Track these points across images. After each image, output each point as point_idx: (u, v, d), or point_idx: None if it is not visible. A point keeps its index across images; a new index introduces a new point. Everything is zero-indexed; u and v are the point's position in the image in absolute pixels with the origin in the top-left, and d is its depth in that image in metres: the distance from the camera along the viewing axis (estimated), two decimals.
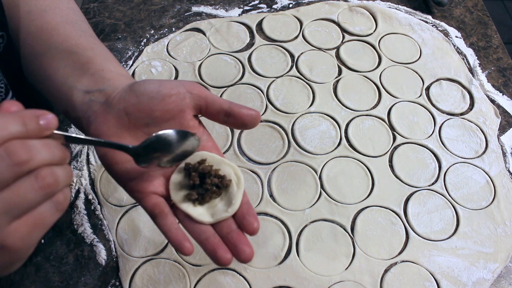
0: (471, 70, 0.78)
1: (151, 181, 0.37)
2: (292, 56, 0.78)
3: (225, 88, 0.72)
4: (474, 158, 0.68)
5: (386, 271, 0.57)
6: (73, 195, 0.62)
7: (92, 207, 0.61)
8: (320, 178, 0.64)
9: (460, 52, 0.80)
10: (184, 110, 0.37)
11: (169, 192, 0.37)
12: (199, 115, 0.39)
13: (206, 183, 0.37)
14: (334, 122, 0.70)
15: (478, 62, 0.79)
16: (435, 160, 0.67)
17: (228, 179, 0.38)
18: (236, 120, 0.37)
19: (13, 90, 0.47)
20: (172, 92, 0.36)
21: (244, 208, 0.37)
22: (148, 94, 0.36)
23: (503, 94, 0.75)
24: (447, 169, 0.66)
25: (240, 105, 0.38)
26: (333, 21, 0.83)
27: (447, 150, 0.68)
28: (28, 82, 0.50)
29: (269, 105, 0.71)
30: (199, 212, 0.37)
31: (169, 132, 0.35)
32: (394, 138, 0.69)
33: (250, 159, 0.66)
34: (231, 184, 0.38)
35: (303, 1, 0.86)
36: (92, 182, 0.63)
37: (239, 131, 0.68)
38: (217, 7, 0.84)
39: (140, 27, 0.80)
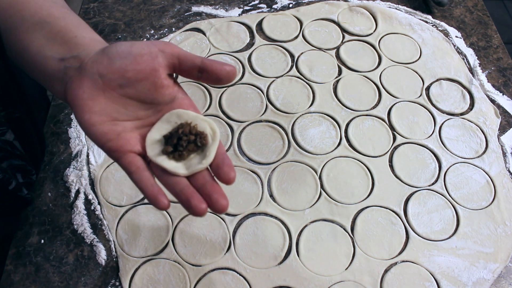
0: (471, 70, 0.78)
1: (128, 140, 0.37)
2: (292, 56, 0.78)
3: (225, 88, 0.72)
4: (474, 158, 0.68)
5: (386, 271, 0.57)
6: (73, 195, 0.62)
7: (92, 207, 0.61)
8: (320, 178, 0.64)
9: (460, 52, 0.80)
10: (157, 69, 0.37)
11: (146, 150, 0.38)
12: (174, 74, 0.40)
13: (182, 140, 0.38)
14: (334, 122, 0.70)
15: (478, 62, 0.79)
16: (435, 160, 0.67)
17: (204, 135, 0.38)
18: (209, 75, 0.38)
19: None
20: (144, 52, 0.37)
21: (219, 159, 0.37)
22: (119, 55, 0.36)
23: (503, 94, 0.75)
24: (447, 169, 0.66)
25: (215, 60, 0.38)
26: (333, 21, 0.83)
27: (447, 150, 0.68)
28: (7, 77, 0.50)
29: (269, 105, 0.71)
30: (174, 165, 0.37)
31: None
32: (394, 138, 0.69)
33: (250, 159, 0.66)
34: (207, 139, 0.38)
35: (303, 1, 0.86)
36: (92, 182, 0.63)
37: (239, 131, 0.68)
38: (217, 7, 0.84)
39: (140, 27, 0.80)
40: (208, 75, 0.38)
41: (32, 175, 0.61)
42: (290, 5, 0.85)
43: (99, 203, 0.61)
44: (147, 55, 0.37)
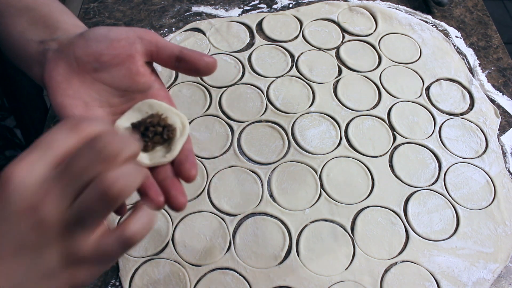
0: (471, 70, 0.78)
1: None
2: (292, 56, 0.78)
3: (225, 88, 0.72)
4: (474, 158, 0.68)
5: (386, 271, 0.57)
6: None
7: None
8: (320, 178, 0.64)
9: (460, 52, 0.80)
10: (133, 55, 0.36)
11: None
12: (152, 62, 0.39)
13: (149, 130, 0.37)
14: (334, 122, 0.70)
15: (478, 62, 0.79)
16: (435, 160, 0.67)
17: (172, 128, 0.37)
18: (187, 65, 0.37)
19: None
20: (121, 37, 0.36)
21: (183, 155, 0.36)
22: (96, 39, 0.36)
23: (503, 94, 0.75)
24: (447, 169, 0.66)
25: (194, 50, 0.37)
26: (333, 21, 0.83)
27: (447, 150, 0.68)
28: (5, 69, 0.50)
29: (269, 105, 0.71)
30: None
31: None
32: (394, 138, 0.69)
33: (250, 159, 0.66)
34: (175, 133, 0.37)
35: (303, 1, 0.86)
36: None
37: (239, 131, 0.68)
38: (217, 7, 0.84)
39: (140, 27, 0.80)
40: (186, 64, 0.37)
41: None
42: (290, 5, 0.85)
43: None
44: (124, 40, 0.36)
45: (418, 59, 0.79)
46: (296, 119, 0.70)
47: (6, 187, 0.25)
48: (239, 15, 0.83)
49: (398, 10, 0.85)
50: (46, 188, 0.26)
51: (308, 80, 0.74)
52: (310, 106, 0.71)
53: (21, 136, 0.56)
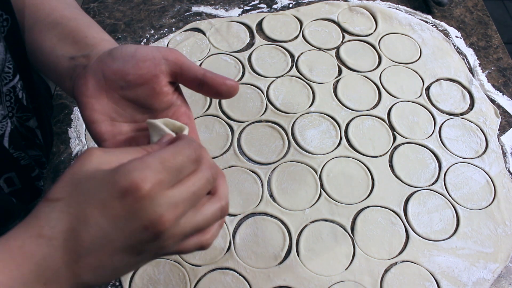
0: (471, 70, 0.78)
1: (122, 143, 0.38)
2: (292, 56, 0.78)
3: None
4: (474, 158, 0.68)
5: (386, 271, 0.57)
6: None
7: None
8: (320, 178, 0.64)
9: (460, 52, 0.80)
10: (158, 75, 0.37)
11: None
12: (176, 82, 0.40)
13: None
14: (334, 122, 0.70)
15: (478, 62, 0.79)
16: (435, 160, 0.67)
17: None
18: (210, 88, 0.38)
19: (20, 73, 0.49)
20: (147, 58, 0.37)
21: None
22: (123, 58, 0.37)
23: (503, 94, 0.75)
24: (447, 169, 0.66)
25: (217, 74, 0.38)
26: (333, 21, 0.83)
27: (447, 150, 0.68)
28: (29, 68, 0.51)
29: (269, 105, 0.71)
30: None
31: None
32: (394, 138, 0.69)
33: (250, 159, 0.66)
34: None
35: (303, 1, 0.86)
36: None
37: (239, 131, 0.68)
38: (217, 7, 0.84)
39: (140, 27, 0.80)
40: (208, 88, 0.38)
41: (44, 168, 0.62)
42: (290, 5, 0.85)
43: None
44: (150, 60, 0.37)
45: (418, 59, 0.79)
46: (296, 119, 0.70)
47: (136, 198, 0.27)
48: (239, 15, 0.83)
49: (398, 10, 0.85)
50: (173, 207, 0.28)
51: (308, 80, 0.74)
52: (310, 106, 0.71)
53: (41, 137, 0.58)
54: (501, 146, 0.69)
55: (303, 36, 0.80)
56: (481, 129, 0.70)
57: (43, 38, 0.43)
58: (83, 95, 0.38)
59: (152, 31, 0.80)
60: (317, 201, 0.62)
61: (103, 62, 0.38)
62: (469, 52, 0.80)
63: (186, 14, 0.82)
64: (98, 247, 0.27)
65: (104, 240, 0.27)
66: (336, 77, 0.75)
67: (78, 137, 0.67)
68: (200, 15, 0.82)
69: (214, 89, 0.38)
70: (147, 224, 0.27)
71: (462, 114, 0.73)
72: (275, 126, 0.69)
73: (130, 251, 0.28)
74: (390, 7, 0.85)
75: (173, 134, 0.35)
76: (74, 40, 0.42)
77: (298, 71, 0.76)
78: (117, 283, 0.55)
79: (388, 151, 0.68)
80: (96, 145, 0.39)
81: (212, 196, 0.32)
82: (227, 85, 0.37)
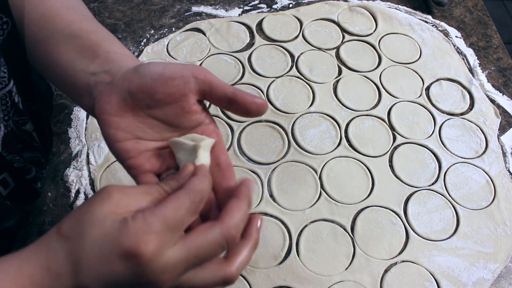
0: (471, 70, 0.78)
1: (149, 160, 0.38)
2: (292, 56, 0.78)
3: None
4: (474, 158, 0.68)
5: (386, 271, 0.57)
6: (73, 195, 0.62)
7: None
8: (320, 178, 0.64)
9: (460, 52, 0.80)
10: (187, 94, 0.36)
11: (163, 171, 0.38)
12: (203, 100, 0.39)
13: None
14: (334, 122, 0.70)
15: (478, 62, 0.79)
16: (435, 160, 0.67)
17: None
18: (239, 107, 0.37)
19: (14, 78, 0.48)
20: (176, 76, 0.36)
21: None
22: (151, 76, 0.36)
23: (503, 94, 0.75)
24: (447, 169, 0.66)
25: (246, 92, 0.37)
26: (333, 21, 0.83)
27: (447, 150, 0.68)
28: (29, 71, 0.50)
29: (269, 105, 0.71)
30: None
31: None
32: (394, 138, 0.69)
33: (250, 159, 0.66)
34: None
35: (303, 1, 0.86)
36: (92, 182, 0.63)
37: (239, 131, 0.68)
38: (217, 7, 0.84)
39: (140, 27, 0.80)
40: (238, 107, 0.37)
41: (43, 169, 0.61)
42: (290, 5, 0.85)
43: None
44: (179, 79, 0.36)
45: (418, 59, 0.79)
46: (296, 119, 0.70)
47: (137, 262, 0.28)
48: (239, 15, 0.83)
49: (398, 10, 0.85)
50: (172, 268, 0.29)
51: (308, 80, 0.74)
52: (310, 106, 0.71)
53: (39, 139, 0.57)
54: (501, 146, 0.69)
55: (303, 36, 0.80)
56: (481, 129, 0.70)
57: (61, 51, 0.42)
58: (107, 113, 0.37)
59: (152, 31, 0.80)
60: (317, 201, 0.62)
61: (128, 79, 0.37)
62: (469, 52, 0.80)
63: (186, 14, 0.82)
64: None
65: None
66: (336, 77, 0.75)
67: (78, 137, 0.67)
68: (200, 15, 0.82)
69: (244, 107, 0.37)
70: (144, 283, 0.29)
71: (462, 114, 0.73)
72: (275, 126, 0.69)
73: None
74: (390, 7, 0.85)
75: (191, 144, 0.35)
76: (94, 55, 0.41)
77: (298, 71, 0.76)
78: None
79: (388, 151, 0.68)
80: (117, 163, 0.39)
81: (224, 258, 0.32)
82: (257, 104, 0.37)
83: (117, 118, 0.37)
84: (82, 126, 0.68)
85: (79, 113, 0.69)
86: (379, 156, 0.67)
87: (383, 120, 0.71)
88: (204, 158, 0.36)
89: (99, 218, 0.29)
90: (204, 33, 0.79)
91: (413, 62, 0.78)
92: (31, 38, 0.45)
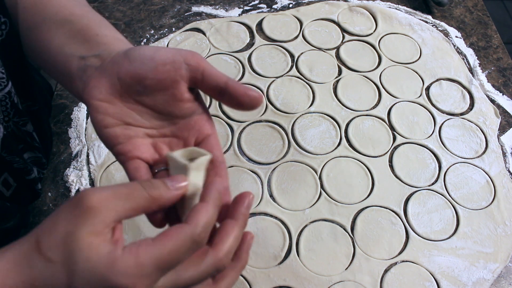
0: (471, 70, 0.78)
1: (138, 146, 0.36)
2: (292, 56, 0.78)
3: None
4: (474, 158, 0.68)
5: (386, 271, 0.57)
6: (73, 195, 0.62)
7: None
8: (320, 178, 0.64)
9: (460, 52, 0.80)
10: (178, 81, 0.34)
11: (153, 161, 0.36)
12: (195, 88, 0.37)
13: None
14: (334, 122, 0.70)
15: (478, 62, 0.79)
16: (435, 160, 0.67)
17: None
18: (231, 98, 0.35)
19: (12, 79, 0.47)
20: (167, 61, 0.34)
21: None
22: (141, 60, 0.34)
23: (503, 94, 0.75)
24: (447, 169, 0.66)
25: (240, 84, 0.35)
26: (333, 21, 0.83)
27: (447, 150, 0.68)
28: (29, 71, 0.50)
29: (269, 105, 0.71)
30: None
31: None
32: (394, 138, 0.69)
33: (250, 159, 0.66)
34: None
35: (303, 1, 0.86)
36: (92, 182, 0.63)
37: (239, 131, 0.68)
38: (217, 7, 0.84)
39: (140, 27, 0.80)
40: (229, 98, 0.35)
41: (45, 169, 0.61)
42: (290, 5, 0.85)
43: None
44: (170, 65, 0.34)
45: (418, 59, 0.79)
46: (296, 119, 0.70)
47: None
48: (239, 15, 0.83)
49: (398, 10, 0.85)
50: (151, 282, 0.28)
51: (308, 80, 0.74)
52: (310, 106, 0.71)
53: (39, 139, 0.57)
54: (501, 146, 0.69)
55: (303, 36, 0.80)
56: (481, 129, 0.70)
57: (51, 37, 0.41)
58: (95, 98, 0.35)
59: (152, 31, 0.80)
60: (317, 201, 0.62)
61: (118, 63, 0.35)
62: (469, 52, 0.80)
63: (186, 14, 0.83)
64: None
65: None
66: (336, 77, 0.75)
67: (78, 137, 0.67)
68: (200, 15, 0.82)
69: (235, 99, 0.35)
70: None
71: (462, 114, 0.73)
72: (275, 126, 0.69)
73: None
74: (390, 7, 0.85)
75: (182, 163, 0.33)
76: (84, 39, 0.39)
77: (298, 71, 0.76)
78: None
79: (388, 151, 0.68)
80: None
81: (211, 280, 0.32)
82: (250, 97, 0.35)
83: (105, 104, 0.35)
84: (82, 126, 0.68)
85: (79, 113, 0.69)
86: (379, 156, 0.67)
87: (383, 120, 0.71)
88: (196, 178, 0.33)
89: (83, 246, 0.27)
90: (204, 33, 0.79)
91: (413, 62, 0.78)
92: (24, 25, 0.44)
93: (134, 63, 0.34)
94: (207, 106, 0.70)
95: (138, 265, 0.27)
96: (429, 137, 0.69)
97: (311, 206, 0.62)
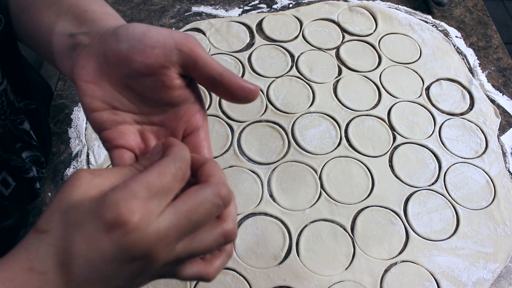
0: (471, 70, 0.78)
1: (124, 135, 0.34)
2: (292, 56, 0.78)
3: None
4: (474, 158, 0.68)
5: (386, 271, 0.57)
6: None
7: None
8: (320, 178, 0.64)
9: (460, 52, 0.80)
10: (167, 67, 0.32)
11: (139, 150, 0.35)
12: (187, 75, 0.34)
13: None
14: (334, 122, 0.70)
15: (478, 62, 0.79)
16: (435, 160, 0.67)
17: None
18: (225, 90, 0.33)
19: (8, 77, 0.47)
20: (157, 45, 0.31)
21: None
22: (129, 41, 0.31)
23: (503, 94, 0.75)
24: (447, 169, 0.66)
25: (236, 75, 0.33)
26: (333, 21, 0.83)
27: (447, 150, 0.68)
28: (26, 70, 0.50)
29: (269, 105, 0.71)
30: None
31: None
32: (394, 138, 0.69)
33: (250, 159, 0.66)
34: None
35: (303, 1, 0.86)
36: None
37: (239, 131, 0.68)
38: (217, 7, 0.84)
39: None
40: (223, 90, 0.33)
41: (44, 168, 0.61)
42: (290, 5, 0.85)
43: None
44: (160, 49, 0.31)
45: (418, 59, 0.79)
46: (296, 119, 0.70)
47: (124, 232, 0.25)
48: (239, 15, 0.83)
49: (398, 10, 0.85)
50: (164, 236, 0.26)
51: (308, 80, 0.74)
52: (310, 106, 0.71)
53: (36, 138, 0.57)
54: (501, 146, 0.69)
55: (303, 36, 0.80)
56: (481, 129, 0.70)
57: (42, 17, 0.39)
58: (82, 79, 0.33)
59: None
60: (317, 201, 0.62)
61: (106, 42, 0.32)
62: (469, 52, 0.80)
63: (186, 14, 0.83)
64: (89, 280, 0.26)
65: (95, 273, 0.26)
66: (336, 77, 0.75)
67: (78, 137, 0.67)
68: (200, 15, 0.82)
69: (230, 92, 0.33)
70: (136, 256, 0.26)
71: (462, 114, 0.73)
72: (275, 126, 0.69)
73: (122, 281, 0.27)
74: (390, 7, 0.85)
75: None
76: (73, 16, 0.37)
77: (298, 71, 0.76)
78: None
79: (388, 151, 0.68)
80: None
81: (215, 218, 0.29)
82: (245, 90, 0.32)
83: (92, 85, 0.33)
84: (82, 126, 0.68)
85: (79, 113, 0.69)
86: (379, 156, 0.67)
87: (383, 120, 0.71)
88: None
89: (74, 201, 0.26)
90: (204, 33, 0.79)
91: (413, 62, 0.78)
92: (15, 8, 0.43)
93: (121, 44, 0.32)
94: (207, 106, 0.70)
95: (129, 191, 0.26)
96: (429, 137, 0.69)
97: (311, 206, 0.62)
